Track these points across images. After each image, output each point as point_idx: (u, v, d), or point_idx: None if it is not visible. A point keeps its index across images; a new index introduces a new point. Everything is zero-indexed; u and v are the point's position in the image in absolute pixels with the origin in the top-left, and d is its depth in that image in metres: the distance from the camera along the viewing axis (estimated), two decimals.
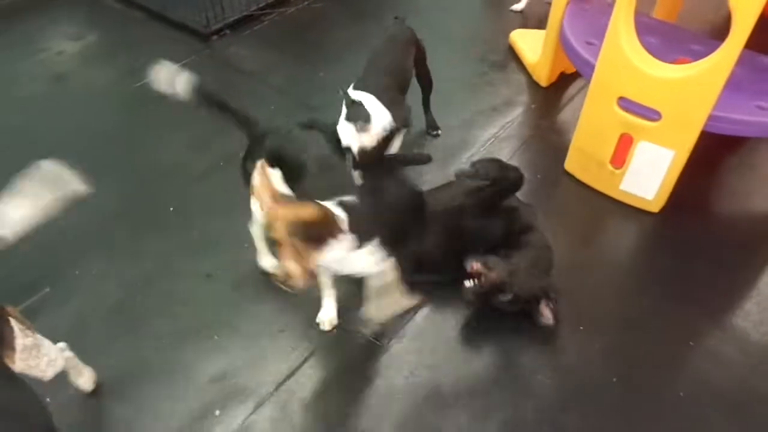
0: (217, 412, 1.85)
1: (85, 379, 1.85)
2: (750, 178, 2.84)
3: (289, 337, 2.06)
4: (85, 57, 3.35)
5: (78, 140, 2.77)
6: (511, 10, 3.86)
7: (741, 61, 2.09)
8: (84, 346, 1.90)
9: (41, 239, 2.23)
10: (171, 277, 2.23)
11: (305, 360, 1.99)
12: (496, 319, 2.13)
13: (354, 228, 1.59)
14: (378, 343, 2.05)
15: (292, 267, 1.53)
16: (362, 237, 1.63)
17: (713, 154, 2.81)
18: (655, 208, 2.55)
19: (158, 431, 1.82)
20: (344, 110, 2.18)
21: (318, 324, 2.08)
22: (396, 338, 2.07)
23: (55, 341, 1.73)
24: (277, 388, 1.92)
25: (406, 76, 2.57)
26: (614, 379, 1.98)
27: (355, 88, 2.28)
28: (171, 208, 2.49)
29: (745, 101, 2.36)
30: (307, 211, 1.49)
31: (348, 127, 2.17)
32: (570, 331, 2.13)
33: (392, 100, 2.29)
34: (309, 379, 1.95)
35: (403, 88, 2.53)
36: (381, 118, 2.18)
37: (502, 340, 2.09)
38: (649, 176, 2.47)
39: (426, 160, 2.48)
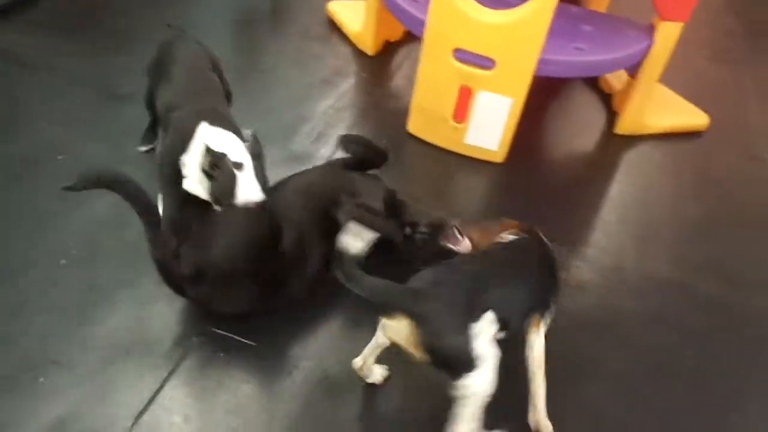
0: None
1: None
2: (569, 122, 3.03)
3: (139, 359, 1.70)
4: None
5: None
6: None
7: (555, 12, 2.18)
8: None
9: None
10: None
11: (166, 379, 1.66)
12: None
13: None
14: (250, 343, 1.79)
15: None
16: None
17: (536, 103, 2.94)
18: (500, 158, 2.59)
19: None
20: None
21: None
22: (269, 334, 1.82)
23: None
24: (135, 422, 1.57)
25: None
26: None
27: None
28: None
29: (565, 44, 2.48)
30: None
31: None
32: None
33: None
34: (174, 401, 1.62)
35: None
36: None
37: None
38: (490, 127, 2.50)
39: None
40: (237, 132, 1.88)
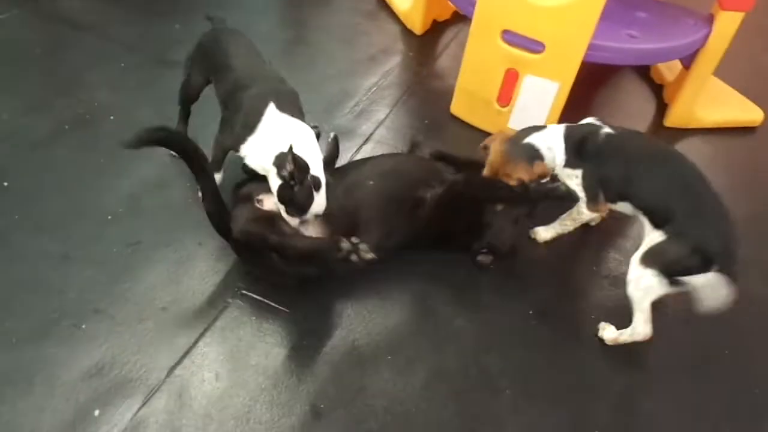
0: (97, 412, 1.52)
1: None
2: (617, 111, 2.96)
3: (175, 316, 1.76)
4: None
5: None
6: None
7: None
8: None
9: None
10: (15, 262, 1.82)
11: (200, 337, 1.72)
12: (405, 268, 1.99)
13: None
14: (281, 308, 1.83)
15: None
16: None
17: (584, 91, 2.88)
18: None
19: None
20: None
21: None
22: (302, 301, 1.85)
23: None
24: (169, 374, 1.63)
25: None
26: (530, 312, 1.94)
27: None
28: (5, 183, 2.04)
29: (618, 30, 2.42)
30: None
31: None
32: (481, 271, 2.05)
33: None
34: (206, 358, 1.68)
35: None
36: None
37: (414, 289, 1.96)
38: (535, 112, 2.46)
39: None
40: (302, 114, 1.90)
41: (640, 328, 1.79)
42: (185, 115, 2.21)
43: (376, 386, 1.68)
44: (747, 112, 2.88)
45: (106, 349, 1.65)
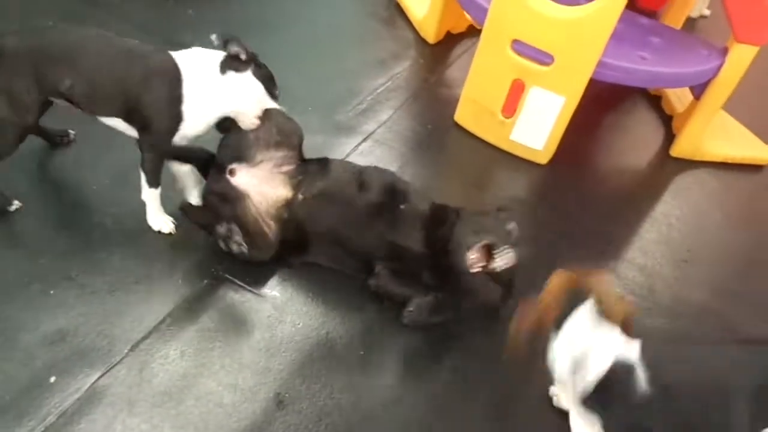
0: (53, 379, 1.47)
1: None
2: (623, 138, 2.93)
3: (147, 290, 1.71)
4: None
5: None
6: None
7: (624, 19, 2.14)
8: None
9: None
10: None
11: (169, 314, 1.67)
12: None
13: None
14: (257, 293, 1.78)
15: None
16: None
17: (592, 113, 2.85)
18: (544, 159, 2.51)
19: None
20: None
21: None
22: (280, 287, 1.81)
23: None
24: (133, 348, 1.58)
25: None
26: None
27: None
28: None
29: (629, 51, 2.39)
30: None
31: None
32: None
33: None
34: (173, 336, 1.63)
35: None
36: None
37: None
38: (539, 125, 2.43)
39: None
40: None
41: None
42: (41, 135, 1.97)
43: (345, 381, 1.62)
44: (756, 150, 2.83)
45: (72, 317, 1.60)
